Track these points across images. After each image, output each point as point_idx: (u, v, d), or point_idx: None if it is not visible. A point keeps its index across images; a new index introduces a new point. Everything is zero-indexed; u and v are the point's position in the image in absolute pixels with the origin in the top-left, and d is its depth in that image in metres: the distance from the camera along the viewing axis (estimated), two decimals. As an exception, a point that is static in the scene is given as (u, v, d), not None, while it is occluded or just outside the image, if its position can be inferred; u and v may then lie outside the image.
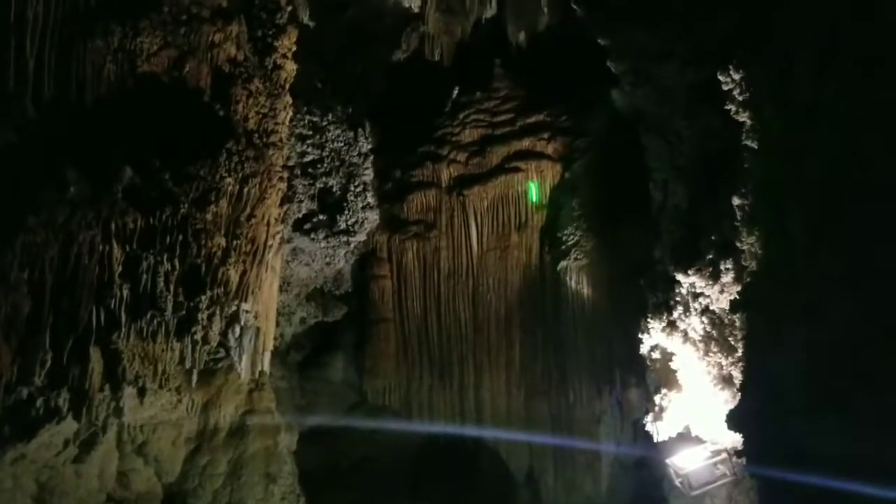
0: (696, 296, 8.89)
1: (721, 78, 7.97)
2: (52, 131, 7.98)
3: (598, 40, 10.84)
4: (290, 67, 10.08)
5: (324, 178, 12.45)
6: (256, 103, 9.42)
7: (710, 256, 8.65)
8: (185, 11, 9.03)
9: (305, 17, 13.00)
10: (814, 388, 6.09)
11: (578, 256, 12.83)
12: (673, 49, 9.47)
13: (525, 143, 13.76)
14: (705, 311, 8.80)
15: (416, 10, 14.79)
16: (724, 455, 9.14)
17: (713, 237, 8.69)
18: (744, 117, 7.87)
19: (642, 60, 10.28)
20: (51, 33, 8.27)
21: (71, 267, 7.60)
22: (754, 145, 7.78)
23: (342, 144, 12.63)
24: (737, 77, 7.83)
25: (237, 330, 8.82)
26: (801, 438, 6.01)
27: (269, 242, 9.24)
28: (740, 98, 7.85)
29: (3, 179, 7.57)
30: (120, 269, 7.79)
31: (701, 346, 8.88)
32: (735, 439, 8.25)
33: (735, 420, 7.51)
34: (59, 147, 7.88)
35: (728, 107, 8.00)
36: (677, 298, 9.22)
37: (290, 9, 10.44)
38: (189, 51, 9.02)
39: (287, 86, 10.01)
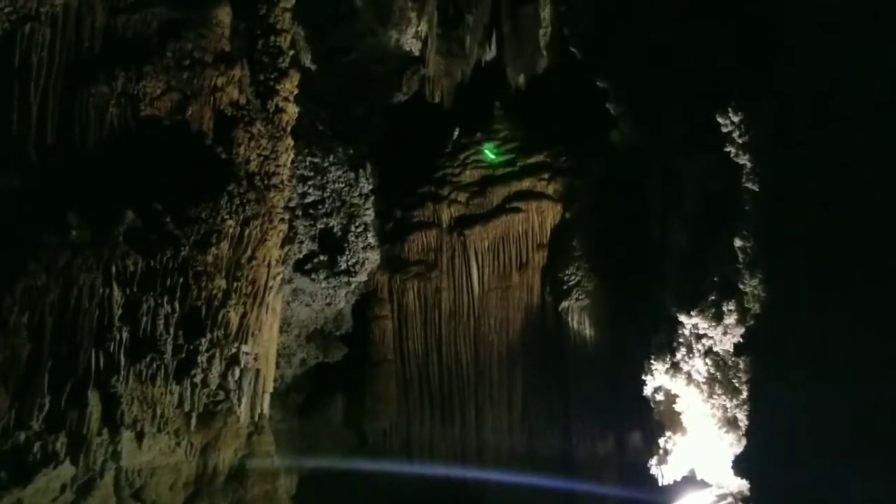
0: (699, 337, 8.84)
1: (720, 120, 8.01)
2: (54, 175, 8.00)
3: (597, 82, 10.95)
4: (292, 110, 10.14)
5: (325, 219, 12.46)
6: (258, 146, 9.46)
7: (713, 297, 8.62)
8: (188, 56, 9.10)
9: (307, 61, 13.15)
10: (820, 432, 6.03)
11: (580, 297, 12.81)
12: (671, 91, 9.55)
13: (525, 184, 13.79)
14: (709, 352, 8.74)
15: (417, 53, 14.96)
16: (730, 499, 9.00)
17: (715, 278, 8.67)
18: (744, 160, 7.90)
19: (641, 102, 10.37)
20: (55, 78, 8.34)
21: (71, 310, 7.54)
22: (755, 188, 7.79)
23: (343, 185, 12.66)
24: (736, 119, 7.87)
25: (237, 372, 8.73)
26: (809, 483, 5.94)
27: (270, 284, 9.20)
28: (740, 140, 7.88)
29: (4, 223, 7.56)
30: (120, 311, 7.73)
31: (705, 388, 8.80)
32: (741, 483, 8.14)
33: (741, 465, 7.43)
34: (61, 191, 7.89)
35: (728, 149, 8.03)
36: (680, 340, 9.16)
37: (292, 52, 10.54)
38: (192, 94, 9.07)
39: (289, 128, 10.05)
